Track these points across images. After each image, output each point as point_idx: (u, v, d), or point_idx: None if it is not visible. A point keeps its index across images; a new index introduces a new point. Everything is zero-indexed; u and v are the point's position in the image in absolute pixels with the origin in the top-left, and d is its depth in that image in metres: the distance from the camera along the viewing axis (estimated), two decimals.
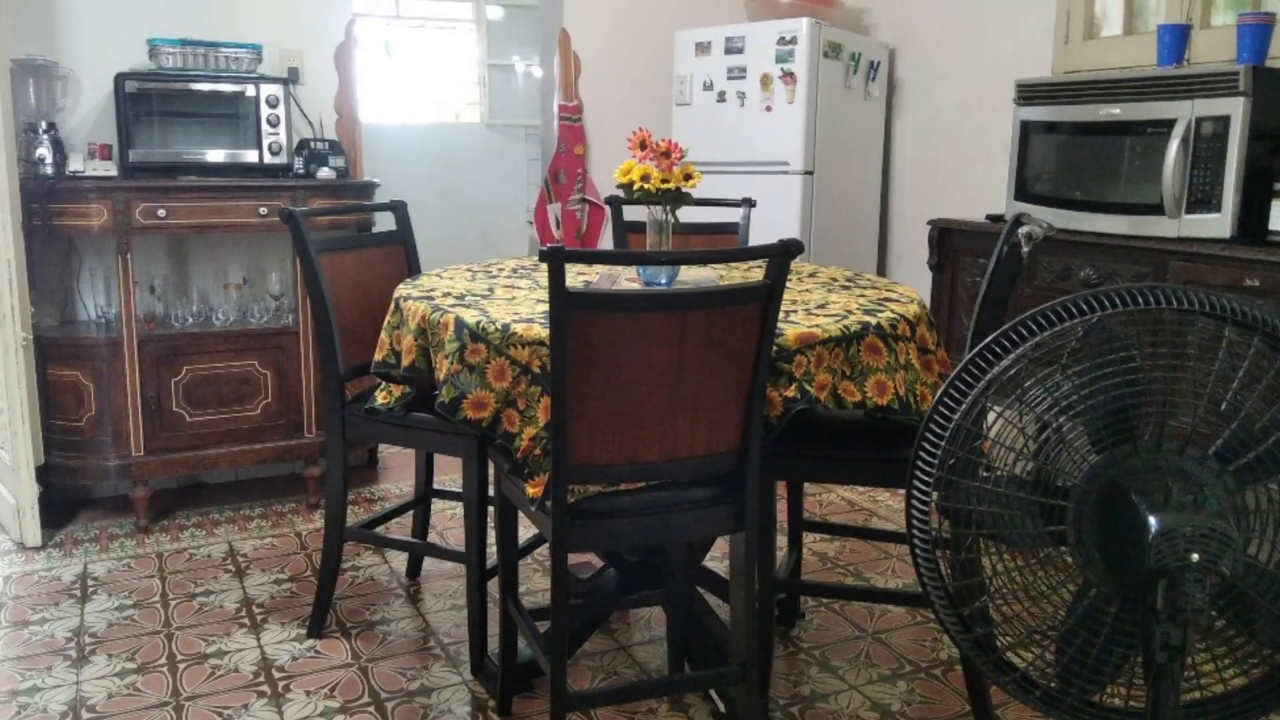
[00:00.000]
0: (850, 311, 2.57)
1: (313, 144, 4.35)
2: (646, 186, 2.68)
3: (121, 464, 3.96)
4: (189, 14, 4.29)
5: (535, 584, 3.52)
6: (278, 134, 4.19)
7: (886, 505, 4.33)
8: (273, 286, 4.32)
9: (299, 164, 4.29)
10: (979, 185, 4.91)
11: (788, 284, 2.74)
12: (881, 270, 5.62)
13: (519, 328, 2.34)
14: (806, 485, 4.35)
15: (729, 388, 2.24)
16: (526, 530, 3.14)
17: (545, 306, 2.51)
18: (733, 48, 5.08)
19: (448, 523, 4.10)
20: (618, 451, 2.21)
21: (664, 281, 2.73)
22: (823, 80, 4.91)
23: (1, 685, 2.87)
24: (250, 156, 4.18)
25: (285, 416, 4.20)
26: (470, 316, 2.42)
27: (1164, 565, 1.63)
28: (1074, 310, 1.76)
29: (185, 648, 3.08)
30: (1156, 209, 3.48)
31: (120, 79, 3.96)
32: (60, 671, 2.94)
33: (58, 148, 3.91)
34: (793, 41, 4.85)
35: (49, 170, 3.85)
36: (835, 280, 3.11)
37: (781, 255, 2.17)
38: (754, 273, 3.19)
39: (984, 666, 1.87)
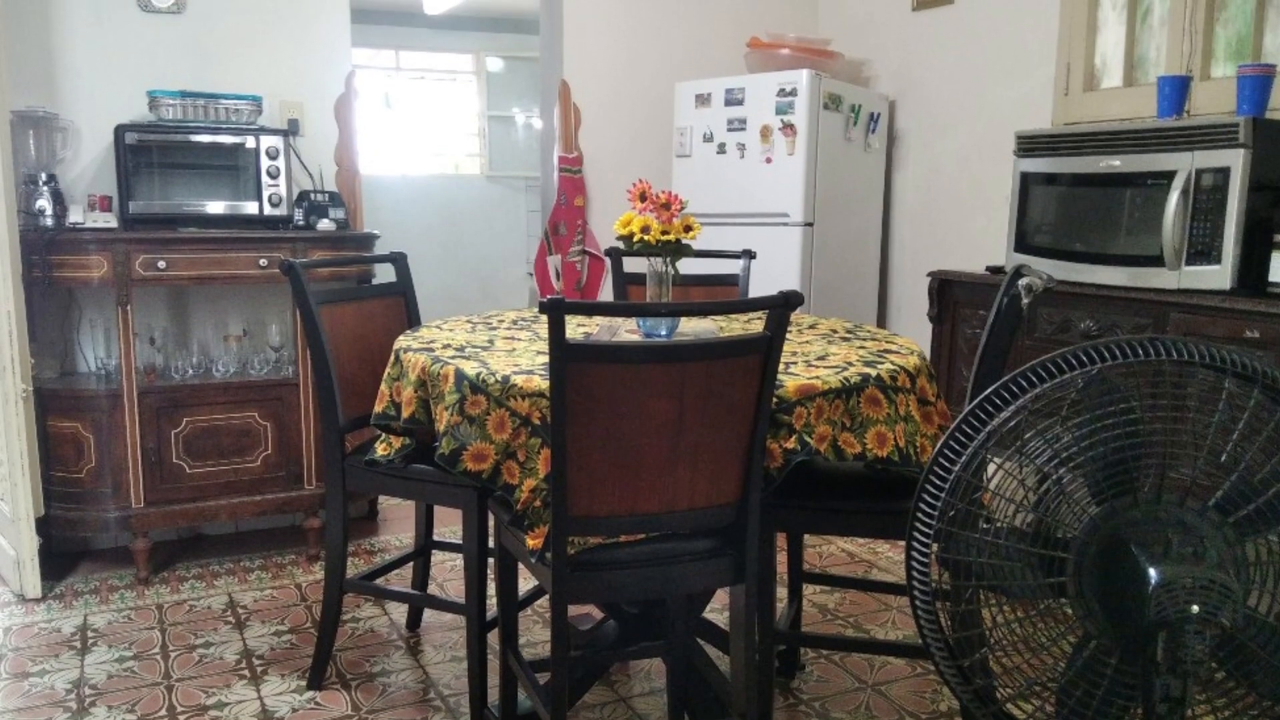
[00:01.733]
0: (850, 363, 2.57)
1: (313, 195, 4.37)
2: (646, 238, 2.69)
3: (121, 516, 3.95)
4: (189, 66, 4.33)
5: (535, 635, 3.50)
6: (278, 185, 4.20)
7: (886, 557, 4.31)
8: (273, 338, 4.33)
9: (299, 215, 4.31)
10: (979, 237, 4.93)
11: (788, 336, 2.74)
12: (881, 322, 5.63)
13: (519, 379, 2.34)
14: (806, 537, 4.34)
15: (729, 439, 2.24)
16: (526, 582, 3.13)
17: (545, 358, 2.51)
18: (733, 99, 5.11)
19: (448, 574, 4.08)
20: (618, 503, 2.20)
21: (664, 333, 2.74)
22: (823, 132, 4.94)
23: None
24: (250, 208, 4.19)
25: (285, 468, 4.19)
26: (470, 368, 2.43)
27: (1164, 617, 1.62)
28: (1074, 362, 1.77)
29: (185, 699, 3.06)
30: (1156, 260, 3.49)
31: (120, 131, 3.97)
32: None
33: (58, 199, 3.93)
34: (793, 93, 4.89)
35: (49, 222, 3.87)
36: (835, 332, 3.11)
37: (781, 307, 2.18)
38: (754, 324, 3.19)
39: (984, 718, 1.86)
